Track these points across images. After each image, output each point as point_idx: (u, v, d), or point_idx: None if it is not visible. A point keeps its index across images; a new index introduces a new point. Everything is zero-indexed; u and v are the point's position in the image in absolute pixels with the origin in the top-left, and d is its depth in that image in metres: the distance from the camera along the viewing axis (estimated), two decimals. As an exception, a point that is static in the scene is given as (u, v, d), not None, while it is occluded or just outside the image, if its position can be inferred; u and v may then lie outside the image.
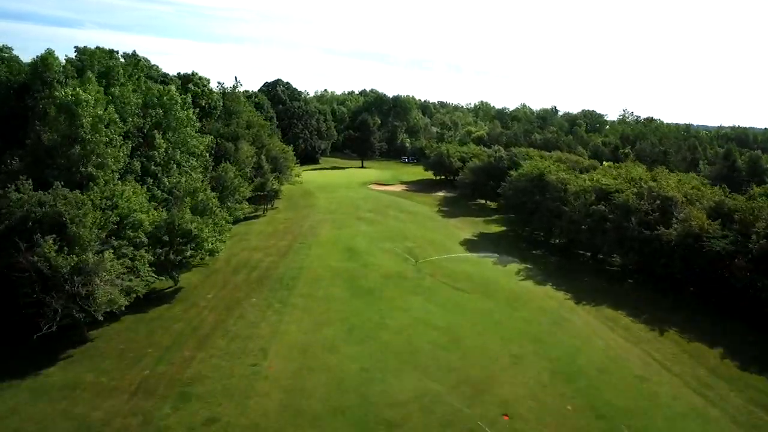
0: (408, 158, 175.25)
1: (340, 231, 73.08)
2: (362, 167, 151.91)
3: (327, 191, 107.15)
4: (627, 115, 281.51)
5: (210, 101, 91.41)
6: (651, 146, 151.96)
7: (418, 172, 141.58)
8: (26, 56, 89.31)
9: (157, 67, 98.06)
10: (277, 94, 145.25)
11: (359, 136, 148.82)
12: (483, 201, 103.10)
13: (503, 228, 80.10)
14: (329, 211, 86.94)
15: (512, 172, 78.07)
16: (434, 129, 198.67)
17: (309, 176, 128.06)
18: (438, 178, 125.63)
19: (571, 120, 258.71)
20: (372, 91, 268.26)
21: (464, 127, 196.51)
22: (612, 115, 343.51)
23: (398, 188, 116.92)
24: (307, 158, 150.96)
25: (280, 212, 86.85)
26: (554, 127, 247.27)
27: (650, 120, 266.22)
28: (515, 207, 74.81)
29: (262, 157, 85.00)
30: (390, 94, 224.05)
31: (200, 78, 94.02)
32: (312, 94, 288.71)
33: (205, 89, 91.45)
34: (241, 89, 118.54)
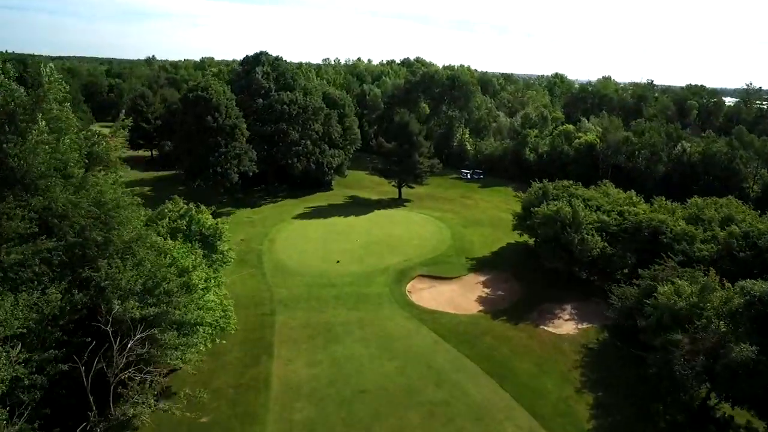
0: (471, 173, 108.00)
1: None
2: (399, 198, 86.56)
3: (305, 322, 43.46)
4: (752, 91, 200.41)
5: None
6: None
7: (496, 218, 75.47)
8: None
9: None
10: (255, 80, 79.62)
11: (395, 148, 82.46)
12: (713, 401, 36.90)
13: None
14: None
15: None
16: (504, 119, 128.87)
17: (296, 235, 64.32)
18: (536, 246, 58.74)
19: (679, 100, 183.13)
20: (418, 60, 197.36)
21: (553, 122, 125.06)
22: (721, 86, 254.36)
23: (471, 302, 50.87)
24: (310, 183, 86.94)
25: None
26: (652, 109, 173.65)
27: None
28: None
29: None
30: (435, 61, 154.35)
31: None
32: (343, 62, 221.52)
33: None
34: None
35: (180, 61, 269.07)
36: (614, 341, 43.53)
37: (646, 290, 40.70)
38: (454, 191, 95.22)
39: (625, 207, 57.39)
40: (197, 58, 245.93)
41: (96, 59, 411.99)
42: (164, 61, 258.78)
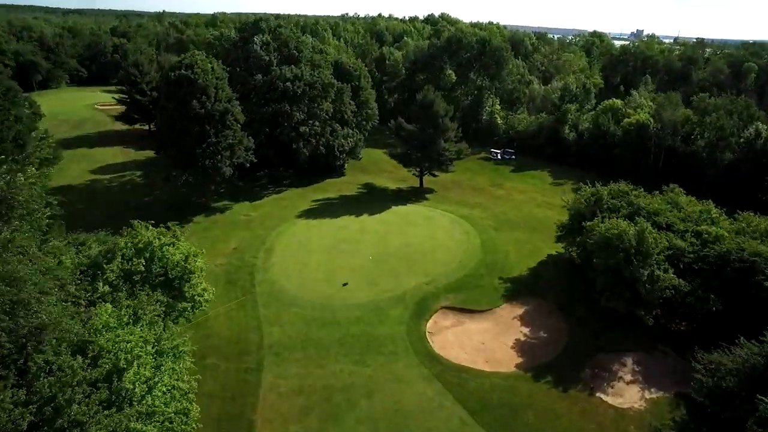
0: (502, 152, 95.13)
1: None
2: (420, 188, 75.37)
3: (299, 385, 33.68)
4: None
5: None
6: None
7: (532, 217, 64.10)
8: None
9: None
10: (253, 51, 67.38)
11: (417, 132, 70.34)
12: None
13: None
14: None
15: None
16: (538, 86, 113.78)
17: (297, 243, 53.61)
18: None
19: (734, 62, 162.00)
20: (443, 17, 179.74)
21: (594, 89, 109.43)
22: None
23: (507, 350, 39.72)
24: (320, 169, 76.20)
25: None
26: (703, 72, 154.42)
27: None
28: None
29: None
30: (461, 17, 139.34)
31: None
32: (362, 16, 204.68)
33: None
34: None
35: (192, 14, 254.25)
36: (698, 425, 32.85)
37: (756, 375, 29.58)
38: (483, 177, 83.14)
39: (703, 226, 45.30)
40: (211, 12, 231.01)
41: (113, 12, 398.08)
42: (176, 15, 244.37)
